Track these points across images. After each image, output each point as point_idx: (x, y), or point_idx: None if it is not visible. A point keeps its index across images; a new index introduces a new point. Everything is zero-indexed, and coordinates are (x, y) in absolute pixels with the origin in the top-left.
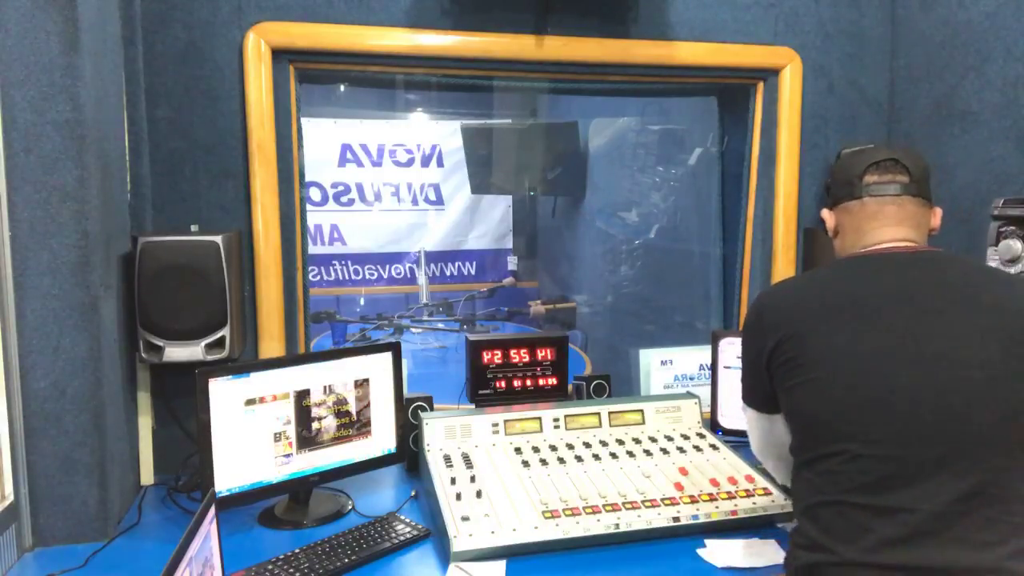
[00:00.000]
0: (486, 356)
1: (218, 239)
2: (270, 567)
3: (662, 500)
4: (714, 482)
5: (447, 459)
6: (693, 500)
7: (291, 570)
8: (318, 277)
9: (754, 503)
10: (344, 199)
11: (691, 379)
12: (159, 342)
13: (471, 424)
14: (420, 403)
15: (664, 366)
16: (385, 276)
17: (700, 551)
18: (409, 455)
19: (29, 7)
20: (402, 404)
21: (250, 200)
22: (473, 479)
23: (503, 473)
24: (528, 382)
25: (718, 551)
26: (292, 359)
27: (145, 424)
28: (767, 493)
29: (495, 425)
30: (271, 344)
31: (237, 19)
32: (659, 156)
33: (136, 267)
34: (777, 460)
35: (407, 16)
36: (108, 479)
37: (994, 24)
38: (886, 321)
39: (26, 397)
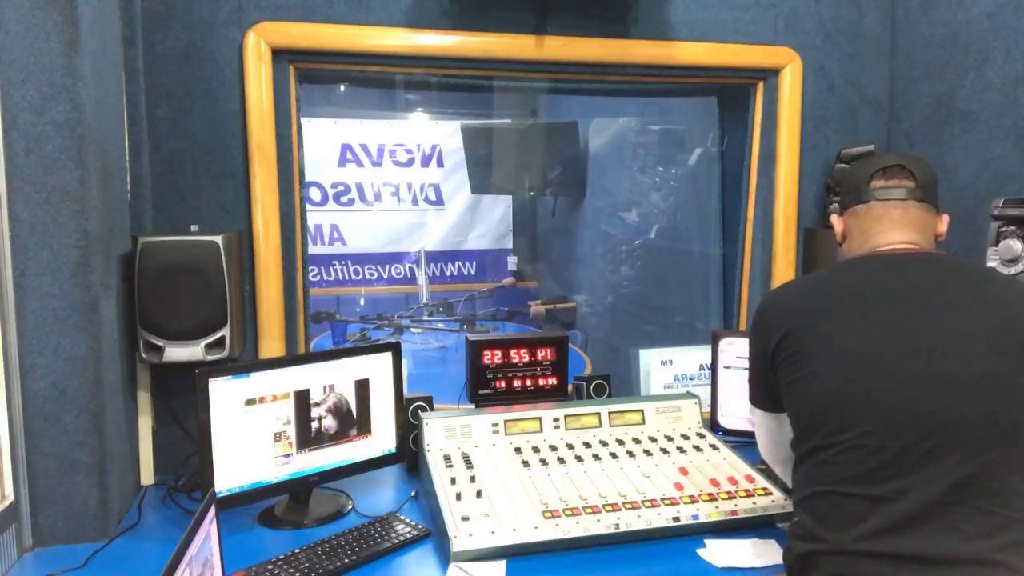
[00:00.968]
0: (486, 356)
1: (218, 239)
2: (270, 567)
3: (662, 500)
4: (714, 482)
5: (447, 459)
6: (693, 500)
7: (291, 570)
8: (318, 277)
9: (754, 503)
10: (344, 199)
11: (691, 379)
12: (159, 342)
13: (471, 424)
14: (420, 403)
15: (664, 366)
16: (385, 276)
17: (700, 551)
18: (409, 455)
19: (29, 7)
20: (402, 404)
21: (250, 200)
22: (473, 479)
23: (503, 473)
24: (528, 382)
25: (718, 551)
26: (292, 359)
27: (145, 424)
28: (767, 493)
29: (495, 425)
30: (271, 344)
31: (237, 19)
32: (659, 156)
33: (136, 267)
34: (786, 462)
35: (407, 16)
36: (108, 479)
37: (994, 24)
38: (883, 316)
39: (26, 397)
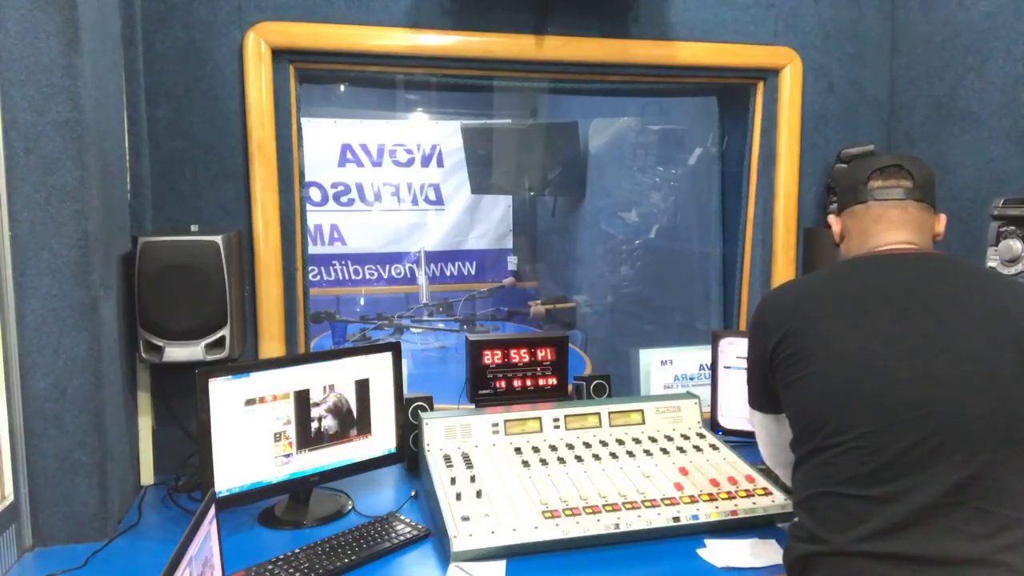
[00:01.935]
0: (486, 356)
1: (218, 239)
2: (270, 567)
3: (662, 500)
4: (714, 482)
5: (447, 459)
6: (693, 500)
7: (291, 570)
8: (318, 277)
9: (754, 503)
10: (344, 199)
11: (691, 379)
12: (159, 342)
13: (471, 424)
14: (420, 403)
15: (664, 366)
16: (385, 276)
17: (700, 551)
18: (409, 455)
19: (29, 7)
20: (402, 404)
21: (250, 200)
22: (473, 479)
23: (503, 473)
24: (528, 382)
25: (718, 551)
26: (292, 359)
27: (145, 424)
28: (767, 493)
29: (495, 425)
30: (271, 344)
31: (237, 19)
32: (659, 156)
33: (136, 267)
34: (787, 464)
35: (407, 16)
36: (108, 479)
37: (994, 24)
38: (882, 317)
39: (26, 397)
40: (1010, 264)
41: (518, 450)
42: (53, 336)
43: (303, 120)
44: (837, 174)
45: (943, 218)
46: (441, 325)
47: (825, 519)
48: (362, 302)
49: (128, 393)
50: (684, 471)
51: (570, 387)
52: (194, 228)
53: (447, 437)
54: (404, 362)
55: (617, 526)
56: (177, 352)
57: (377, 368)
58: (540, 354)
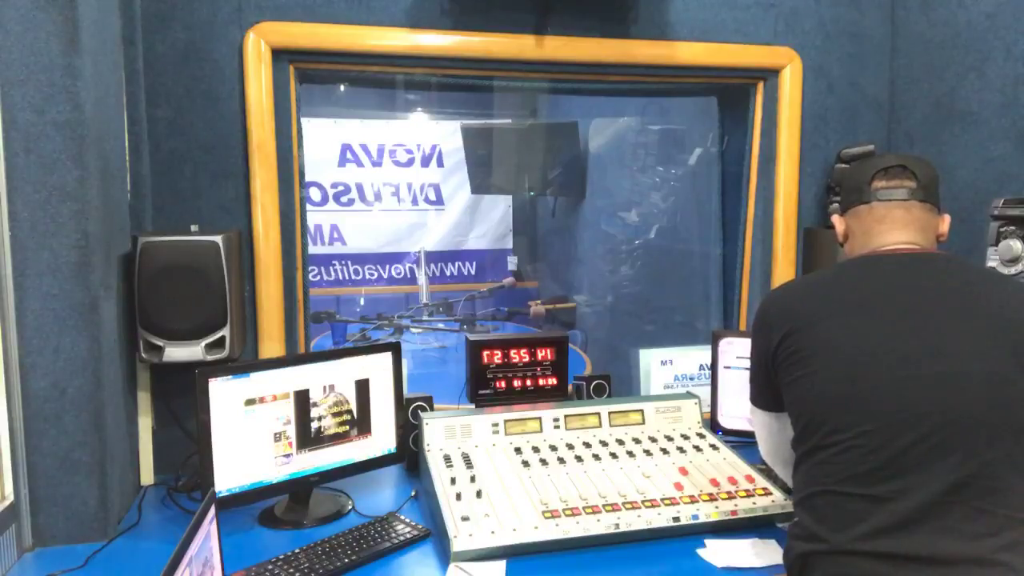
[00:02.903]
0: (486, 356)
1: (218, 239)
2: (270, 567)
3: (662, 500)
4: (714, 482)
5: (447, 459)
6: (693, 500)
7: (291, 570)
8: (318, 277)
9: (754, 503)
10: (344, 199)
11: (691, 379)
12: (159, 342)
13: (471, 424)
14: (420, 403)
15: (664, 366)
16: (385, 276)
17: (700, 551)
18: (409, 455)
19: (29, 7)
20: (402, 404)
21: (250, 200)
22: (473, 479)
23: (503, 473)
24: (528, 382)
25: (718, 551)
26: (292, 359)
27: (145, 424)
28: (767, 493)
29: (495, 425)
30: (271, 344)
31: (237, 19)
32: (659, 156)
33: (136, 267)
34: (787, 463)
35: (407, 16)
36: (108, 479)
37: (994, 24)
38: (884, 316)
39: (26, 397)
40: (1010, 264)
41: (518, 450)
42: (53, 336)
43: (303, 120)
44: (838, 174)
45: (947, 218)
46: (441, 325)
47: (824, 518)
48: (362, 302)
49: (128, 393)
50: (684, 471)
51: (570, 387)
52: (194, 228)
53: (447, 437)
54: (404, 362)
55: (617, 526)
56: (177, 352)
57: (377, 368)
58: (540, 354)
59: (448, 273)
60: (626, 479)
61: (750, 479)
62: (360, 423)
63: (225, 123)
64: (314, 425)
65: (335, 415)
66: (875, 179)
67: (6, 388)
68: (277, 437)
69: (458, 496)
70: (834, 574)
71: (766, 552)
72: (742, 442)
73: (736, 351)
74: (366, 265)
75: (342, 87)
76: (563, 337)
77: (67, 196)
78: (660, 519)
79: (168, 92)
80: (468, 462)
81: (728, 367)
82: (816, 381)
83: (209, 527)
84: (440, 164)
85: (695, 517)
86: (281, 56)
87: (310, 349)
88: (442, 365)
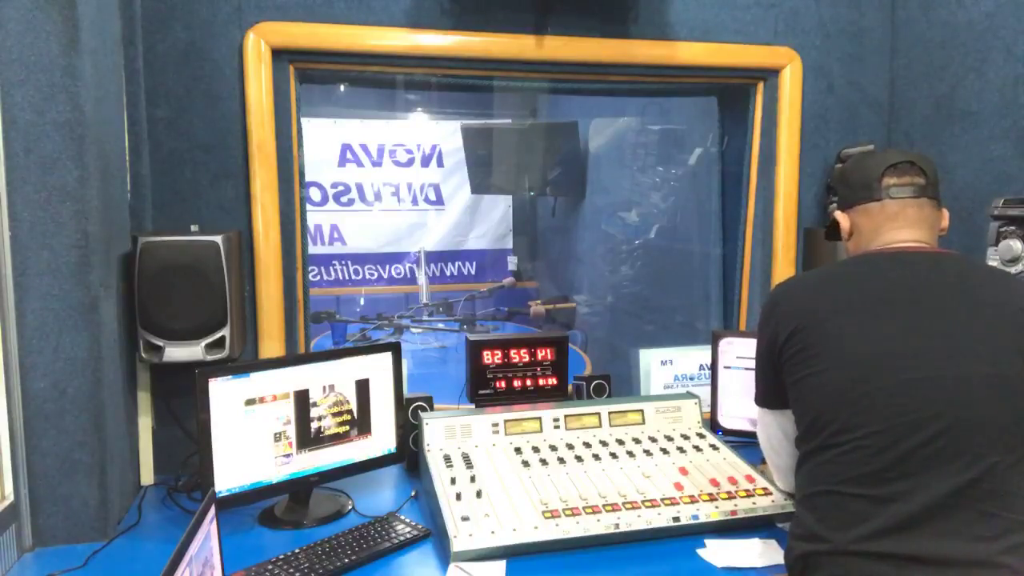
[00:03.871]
0: (486, 356)
1: (218, 239)
2: (270, 567)
3: (662, 500)
4: (714, 482)
5: (447, 459)
6: (693, 500)
7: (291, 570)
8: (318, 277)
9: (754, 503)
10: (344, 199)
11: (691, 379)
12: (159, 342)
13: (471, 424)
14: (420, 403)
15: (664, 366)
16: (385, 276)
17: (700, 551)
18: (409, 455)
19: (29, 7)
20: (402, 404)
21: (250, 200)
22: (473, 479)
23: (503, 473)
24: (528, 382)
25: (718, 551)
26: (292, 359)
27: (145, 424)
28: (767, 493)
29: (495, 425)
30: (271, 344)
31: (237, 19)
32: (659, 156)
33: (136, 267)
34: (787, 470)
35: (407, 16)
36: (108, 479)
37: (994, 24)
38: (895, 316)
39: (26, 397)
40: (1010, 264)
41: (518, 450)
42: (53, 336)
43: (303, 120)
44: (839, 171)
45: (946, 213)
46: (441, 325)
47: (826, 517)
48: (362, 302)
49: (128, 393)
50: (684, 471)
51: (570, 387)
52: (194, 228)
53: (447, 437)
54: (404, 362)
55: (617, 526)
56: (177, 352)
57: (377, 368)
58: (540, 354)
59: (448, 273)
60: (626, 479)
61: (750, 479)
62: (360, 423)
63: (225, 123)
64: (314, 425)
65: (335, 415)
66: (886, 176)
67: (6, 388)
68: (277, 437)
69: (458, 496)
70: (836, 574)
71: (766, 552)
72: (742, 442)
73: (736, 351)
74: (366, 265)
75: (342, 87)
76: (563, 337)
77: (67, 196)
78: (660, 519)
79: (168, 92)
80: (468, 462)
81: (728, 367)
82: (824, 380)
83: (209, 527)
84: (440, 164)
85: (695, 517)
86: (281, 56)
87: (310, 349)
88: (442, 365)
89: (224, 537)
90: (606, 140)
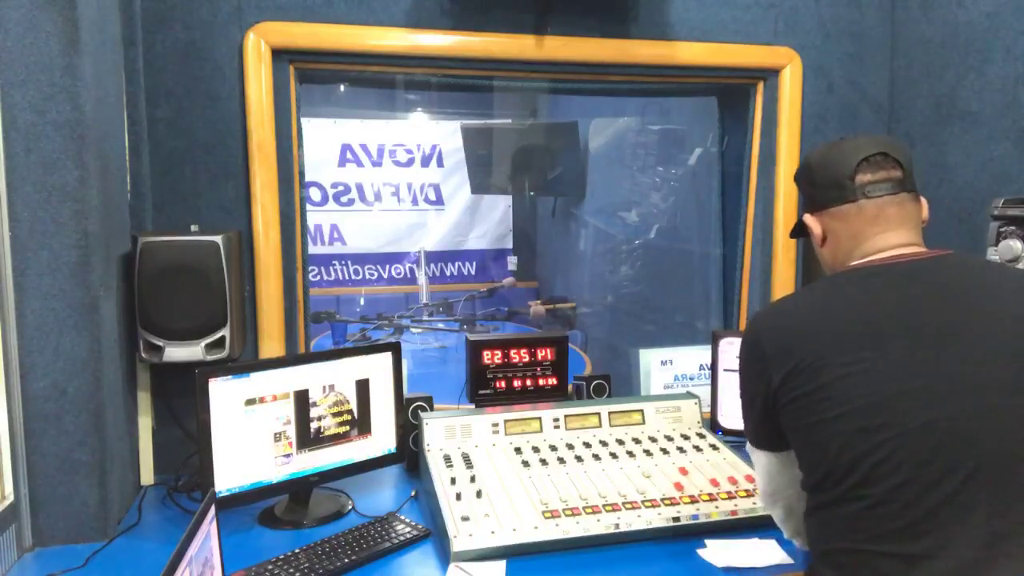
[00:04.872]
0: (486, 356)
1: (218, 239)
2: (270, 567)
3: (662, 500)
4: (714, 482)
5: (447, 459)
6: (693, 500)
7: (291, 570)
8: (318, 277)
9: (754, 503)
10: (344, 199)
11: (691, 379)
12: (159, 342)
13: (471, 424)
14: (420, 403)
15: (664, 366)
16: (385, 276)
17: (700, 551)
18: (409, 455)
19: (29, 7)
20: (402, 404)
21: (250, 200)
22: (473, 479)
23: (503, 473)
24: (528, 382)
25: (718, 551)
26: (292, 359)
27: (145, 424)
28: None
29: (495, 425)
30: (271, 344)
31: (237, 19)
32: (659, 156)
33: (136, 267)
34: (788, 511)
35: (407, 16)
36: (108, 479)
37: (994, 24)
38: (902, 347)
39: (26, 397)
40: (1010, 264)
41: (518, 450)
42: (53, 336)
43: (303, 120)
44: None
45: (925, 203)
46: (441, 325)
47: None
48: (362, 302)
49: (128, 393)
50: (684, 471)
51: (570, 387)
52: (194, 228)
53: (447, 437)
54: (404, 362)
55: (617, 526)
56: (177, 352)
57: (377, 368)
58: (540, 354)
59: (448, 273)
60: (626, 479)
61: (750, 479)
62: (360, 423)
63: (225, 123)
64: (314, 425)
65: (335, 415)
66: (859, 172)
67: (6, 388)
68: (277, 437)
69: (458, 496)
70: None
71: (766, 552)
72: (742, 442)
73: (736, 351)
74: (366, 265)
75: (342, 87)
76: (563, 337)
77: (67, 196)
78: (660, 519)
79: (168, 92)
80: (468, 462)
81: (728, 368)
82: (836, 429)
83: (209, 527)
84: (440, 164)
85: (695, 517)
86: (281, 56)
87: (310, 349)
88: (442, 365)
89: (224, 537)
90: (606, 140)
